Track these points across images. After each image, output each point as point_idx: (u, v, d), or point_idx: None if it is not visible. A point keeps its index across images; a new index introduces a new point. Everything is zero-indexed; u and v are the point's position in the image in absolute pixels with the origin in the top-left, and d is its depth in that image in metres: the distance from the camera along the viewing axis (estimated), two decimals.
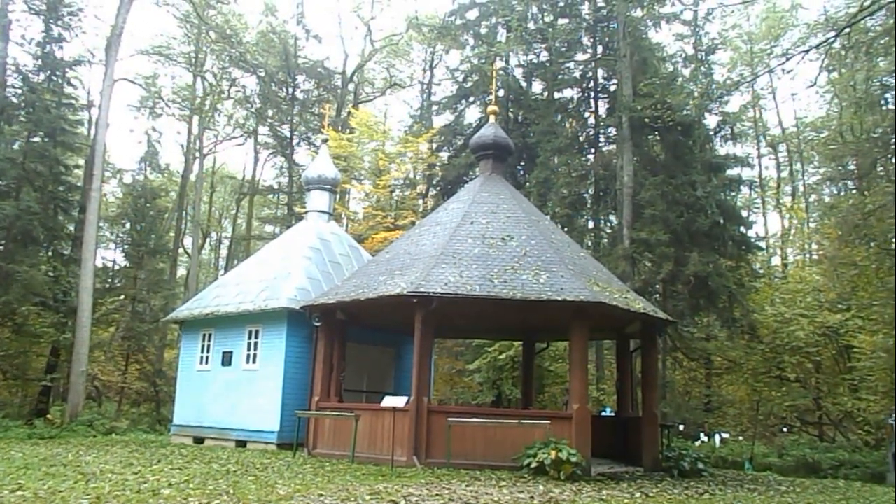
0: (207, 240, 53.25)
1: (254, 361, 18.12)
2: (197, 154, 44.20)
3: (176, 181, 46.07)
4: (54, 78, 29.05)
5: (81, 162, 32.93)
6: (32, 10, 28.22)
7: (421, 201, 37.02)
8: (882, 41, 20.86)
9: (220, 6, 38.37)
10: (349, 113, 39.56)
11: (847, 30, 19.26)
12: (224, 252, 55.37)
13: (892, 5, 18.58)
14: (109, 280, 35.53)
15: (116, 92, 31.62)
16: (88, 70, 34.24)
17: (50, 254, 29.29)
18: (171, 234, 44.04)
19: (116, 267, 37.76)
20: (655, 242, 24.33)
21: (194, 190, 43.91)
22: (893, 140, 19.84)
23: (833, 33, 19.88)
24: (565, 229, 26.30)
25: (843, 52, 22.08)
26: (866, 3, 19.21)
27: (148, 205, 35.24)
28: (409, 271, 14.11)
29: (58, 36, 28.65)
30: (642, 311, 14.42)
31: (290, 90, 43.37)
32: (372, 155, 37.03)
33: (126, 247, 35.91)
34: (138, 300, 33.67)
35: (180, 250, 46.21)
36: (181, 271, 48.90)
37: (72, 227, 30.51)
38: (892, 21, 19.57)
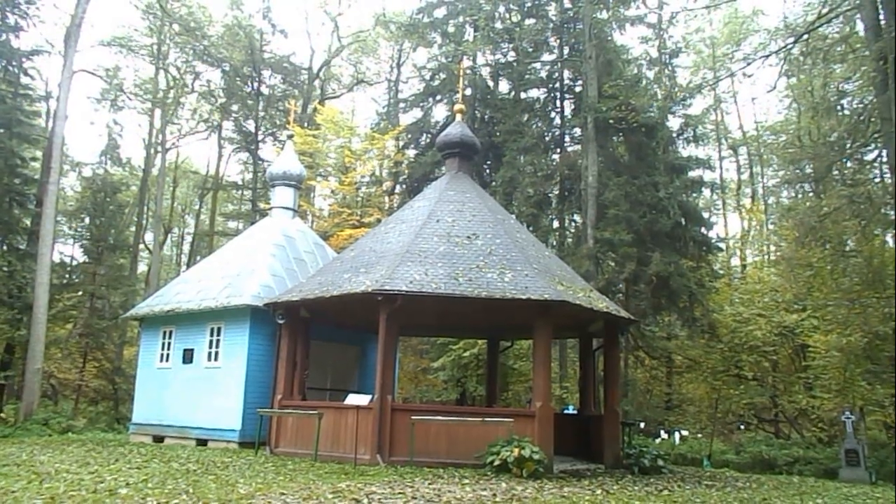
0: (169, 236, 52.35)
1: (216, 359, 17.89)
2: (159, 148, 43.44)
3: (137, 175, 45.23)
4: (10, 68, 28.32)
5: (39, 154, 32.15)
6: None
7: (387, 199, 36.92)
8: (839, 48, 21.38)
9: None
10: (315, 109, 39.28)
11: (805, 36, 19.75)
12: (186, 248, 54.53)
13: (849, 13, 19.09)
14: (67, 276, 34.73)
15: (76, 83, 31.02)
16: (47, 60, 33.50)
17: (5, 248, 28.54)
18: (132, 229, 43.23)
19: (74, 262, 36.94)
20: (619, 242, 24.63)
21: (156, 185, 43.13)
22: (849, 143, 20.39)
23: (792, 39, 20.40)
24: (530, 228, 26.49)
25: (801, 58, 22.60)
26: (824, 11, 19.75)
27: (108, 199, 34.51)
28: (374, 269, 14.07)
29: (14, 24, 27.93)
30: (605, 310, 14.60)
31: (256, 85, 42.88)
32: (338, 152, 36.82)
33: (85, 242, 35.11)
34: (97, 296, 32.97)
35: (141, 246, 45.38)
36: (142, 267, 48.05)
37: (28, 221, 29.77)
38: (848, 28, 20.09)
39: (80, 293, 32.92)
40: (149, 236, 46.60)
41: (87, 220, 35.31)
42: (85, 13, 28.72)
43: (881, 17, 17.26)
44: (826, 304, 21.47)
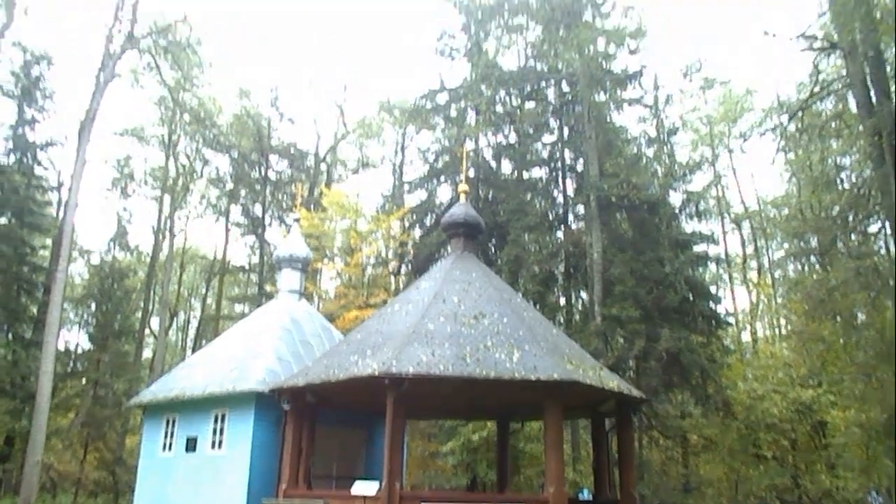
0: (175, 320, 52.27)
1: (219, 447, 17.47)
2: (167, 234, 43.94)
3: (145, 261, 45.58)
4: (25, 160, 29.01)
5: (48, 242, 32.52)
6: (7, 94, 28.39)
7: (393, 279, 36.97)
8: (833, 124, 21.81)
9: (195, 89, 39.00)
10: (321, 192, 39.90)
11: (799, 113, 20.20)
12: (192, 333, 54.29)
13: (840, 91, 19.56)
14: (71, 363, 34.50)
15: (87, 172, 31.64)
16: (60, 151, 34.31)
17: (10, 337, 28.47)
18: (138, 314, 43.21)
19: (79, 350, 36.76)
20: (627, 319, 24.45)
21: (163, 270, 43.38)
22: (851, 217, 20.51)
23: (787, 117, 20.85)
24: (537, 306, 26.37)
25: (797, 134, 23.03)
26: (816, 90, 20.26)
27: (115, 285, 34.66)
28: (381, 351, 13.91)
29: (31, 119, 28.80)
30: (616, 389, 14.31)
31: (263, 170, 43.73)
32: (344, 233, 37.14)
33: (90, 329, 35.04)
34: (100, 384, 32.62)
35: (147, 332, 45.24)
36: (147, 353, 47.72)
37: (35, 309, 29.82)
38: (840, 105, 20.53)
39: (83, 381, 32.62)
40: (154, 322, 46.55)
41: (93, 307, 35.35)
42: (99, 106, 29.60)
43: (872, 94, 17.66)
44: (842, 379, 21.09)
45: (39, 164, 30.39)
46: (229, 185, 44.87)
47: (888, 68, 18.02)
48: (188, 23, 33.63)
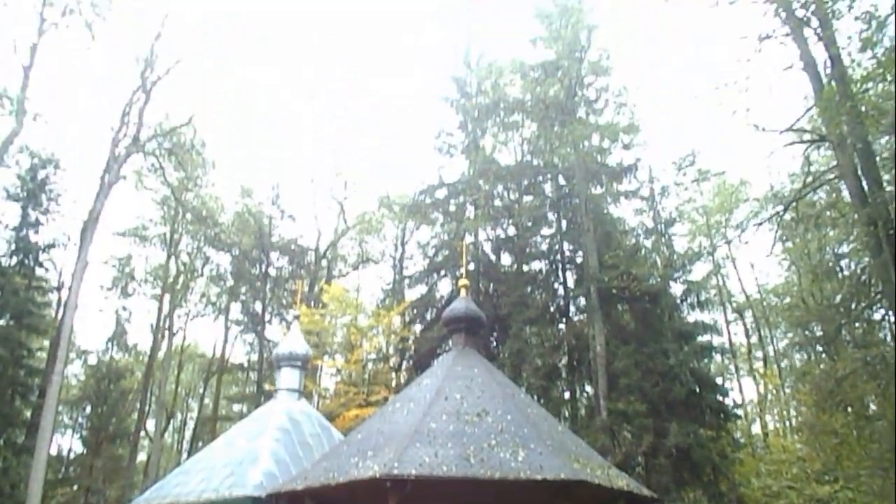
0: (172, 422, 51.16)
1: None
2: (166, 333, 43.66)
3: (142, 361, 45.06)
4: (26, 261, 29.18)
5: (46, 344, 32.24)
6: (11, 197, 28.87)
7: (394, 375, 36.43)
8: (828, 213, 22.06)
9: (198, 189, 39.72)
10: (321, 288, 39.91)
11: (794, 204, 20.45)
12: (188, 435, 53.02)
13: (833, 181, 19.89)
14: (63, 469, 33.50)
15: (88, 273, 31.73)
16: (62, 252, 34.59)
17: (2, 443, 27.77)
18: (134, 416, 42.33)
19: (71, 455, 35.79)
20: (633, 413, 23.93)
21: (161, 369, 42.82)
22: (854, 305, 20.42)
23: (781, 207, 21.10)
24: (541, 401, 25.88)
25: (793, 224, 23.26)
26: (808, 180, 20.61)
27: (112, 386, 34.17)
28: (382, 452, 13.51)
29: (34, 221, 29.14)
30: (626, 488, 13.82)
31: (264, 267, 43.95)
32: (344, 329, 36.89)
33: (84, 432, 34.23)
34: (92, 491, 31.61)
35: (142, 434, 44.19)
36: (141, 457, 46.43)
37: (28, 413, 29.21)
38: (834, 195, 20.82)
39: (75, 488, 31.58)
40: (150, 423, 45.53)
41: (88, 410, 34.67)
42: (103, 207, 30.06)
43: (864, 183, 17.93)
44: (858, 475, 20.40)
45: (41, 265, 30.57)
46: (229, 283, 44.97)
47: (877, 159, 18.38)
48: (192, 125, 34.71)
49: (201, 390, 50.88)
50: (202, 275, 46.20)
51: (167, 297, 44.14)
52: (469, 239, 32.10)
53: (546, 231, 33.90)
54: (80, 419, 36.34)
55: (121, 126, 31.82)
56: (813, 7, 18.00)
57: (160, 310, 44.54)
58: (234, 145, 62.67)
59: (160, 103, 36.99)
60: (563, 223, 33.28)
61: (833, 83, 17.84)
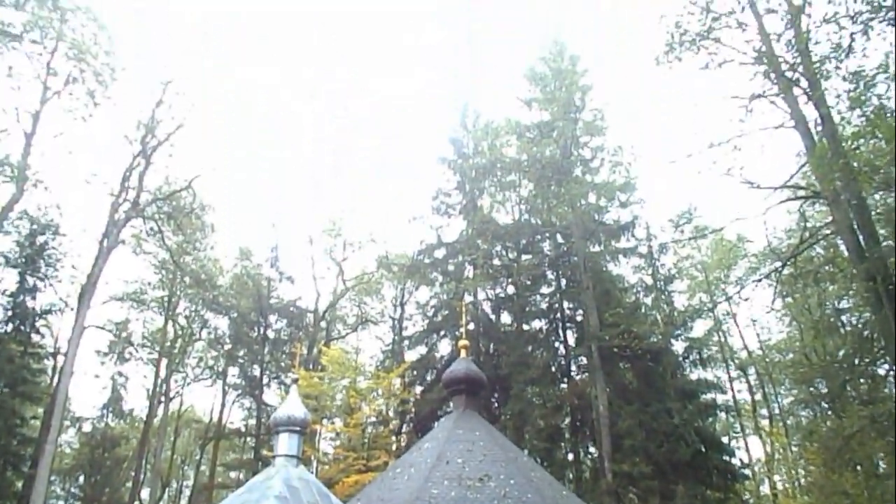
0: (167, 490, 49.94)
1: None
2: (162, 398, 43.04)
3: (138, 427, 44.27)
4: (23, 328, 28.98)
5: (40, 411, 31.72)
6: (10, 263, 28.88)
7: (394, 439, 35.76)
8: (827, 267, 22.07)
9: (197, 253, 39.78)
10: (320, 351, 39.56)
11: (792, 259, 20.49)
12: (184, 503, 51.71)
13: (830, 237, 19.96)
14: None
15: (84, 338, 31.50)
16: (59, 317, 34.44)
17: None
18: (129, 485, 41.35)
19: None
20: (639, 475, 23.42)
21: (157, 436, 42.06)
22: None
23: (780, 263, 21.13)
24: (544, 464, 25.35)
25: (793, 279, 23.24)
26: (805, 236, 20.69)
27: (106, 454, 33.50)
28: None
29: (32, 287, 29.07)
30: None
31: (262, 330, 43.65)
32: (343, 392, 36.39)
33: (76, 503, 33.36)
34: None
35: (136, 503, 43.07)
36: None
37: (20, 485, 28.51)
38: (832, 251, 20.87)
39: None
40: (145, 492, 44.45)
41: (81, 479, 33.89)
42: (101, 272, 30.05)
43: (860, 239, 17.99)
44: None
45: (37, 331, 30.37)
46: (227, 346, 44.59)
47: (873, 214, 18.50)
48: (192, 189, 35.00)
49: (198, 457, 49.83)
50: (200, 338, 45.86)
51: (164, 362, 43.69)
52: (468, 299, 31.98)
53: (545, 290, 33.84)
54: (73, 489, 35.45)
55: (121, 191, 32.08)
56: (801, 67, 18.42)
57: (157, 375, 44.01)
58: (233, 206, 63.25)
59: (160, 167, 37.34)
60: (563, 281, 33.24)
61: (824, 141, 18.10)
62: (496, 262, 33.34)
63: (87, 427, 40.32)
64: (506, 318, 34.66)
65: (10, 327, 28.24)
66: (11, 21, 25.86)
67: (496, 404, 31.60)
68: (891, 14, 15.36)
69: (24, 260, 29.02)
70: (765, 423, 40.63)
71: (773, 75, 19.31)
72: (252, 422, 45.65)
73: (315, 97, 79.04)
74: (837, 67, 15.10)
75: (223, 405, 47.36)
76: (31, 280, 28.98)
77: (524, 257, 33.06)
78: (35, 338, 30.15)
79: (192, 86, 34.11)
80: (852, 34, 14.07)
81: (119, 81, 31.55)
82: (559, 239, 33.20)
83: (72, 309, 32.36)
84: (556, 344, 33.51)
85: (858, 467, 20.84)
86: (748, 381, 42.93)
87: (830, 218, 19.89)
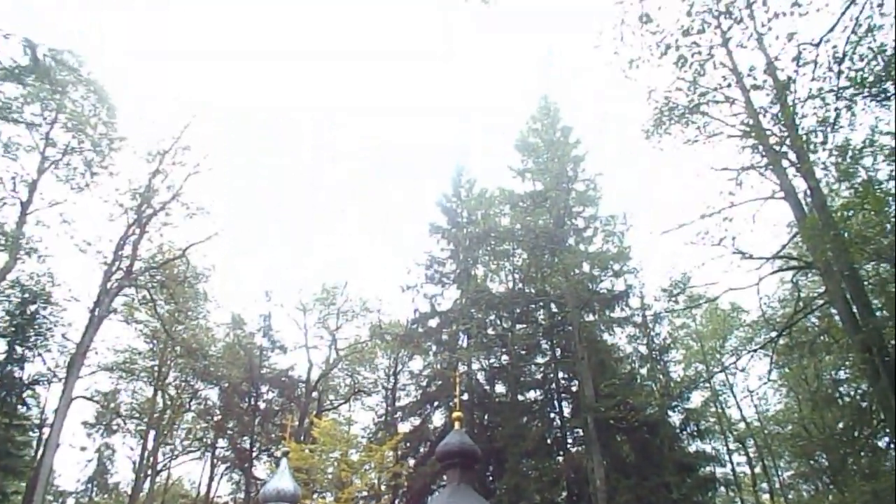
0: None
1: None
2: (149, 471, 41.93)
3: (123, 501, 42.97)
4: (9, 399, 28.45)
5: (23, 486, 30.78)
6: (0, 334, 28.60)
7: None
8: (823, 337, 21.99)
9: (189, 321, 39.49)
10: (312, 422, 38.85)
11: (788, 330, 20.43)
12: None
13: (825, 307, 19.96)
14: None
15: (72, 409, 30.89)
16: (46, 388, 33.84)
17: None
18: None
19: None
20: None
21: None
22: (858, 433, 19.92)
23: (775, 333, 21.05)
24: None
25: (789, 350, 23.13)
26: (799, 306, 20.69)
27: None
28: None
29: (20, 357, 28.69)
30: None
31: (253, 400, 42.94)
32: (334, 465, 35.54)
33: None
34: None
35: None
36: None
37: None
38: (826, 321, 20.84)
39: None
40: None
41: None
42: (91, 342, 29.71)
43: (854, 309, 17.98)
44: None
45: (23, 402, 29.79)
46: (217, 417, 43.76)
47: (865, 284, 18.55)
48: (186, 258, 34.99)
49: None
50: (189, 409, 45.04)
51: (152, 434, 42.76)
52: (462, 369, 31.65)
53: (540, 360, 33.56)
54: None
55: (114, 259, 32.05)
56: (789, 140, 18.79)
57: (144, 447, 43.00)
58: (226, 273, 63.16)
59: (155, 235, 37.37)
60: (557, 351, 33.00)
61: (814, 212, 18.32)
62: (490, 331, 33.15)
63: (70, 502, 39.11)
64: (500, 388, 34.24)
65: None
66: (12, 95, 26.32)
67: (491, 478, 30.86)
68: (874, 90, 15.78)
69: (13, 329, 28.71)
70: (766, 497, 39.70)
71: (761, 148, 19.70)
72: (241, 496, 44.41)
73: (307, 165, 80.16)
74: (824, 141, 15.38)
75: (211, 479, 46.18)
76: (19, 350, 28.59)
77: (518, 327, 32.90)
78: (21, 409, 29.52)
79: (188, 156, 34.44)
80: (837, 109, 14.38)
81: (117, 151, 31.98)
82: (553, 308, 33.14)
83: (60, 379, 31.86)
84: (552, 415, 33.00)
85: None
86: (747, 454, 42.15)
87: (823, 288, 19.94)
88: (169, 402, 44.45)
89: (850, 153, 16.37)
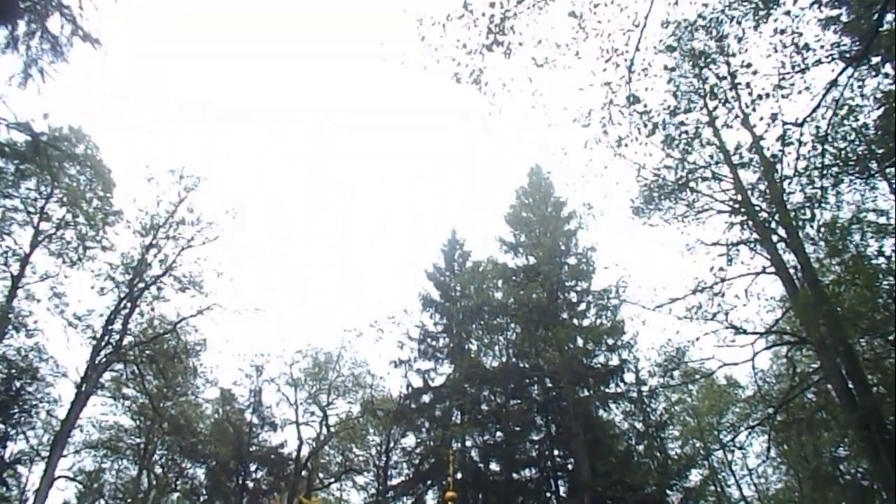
0: None
1: None
2: None
3: None
4: None
5: None
6: None
7: None
8: (821, 413, 21.69)
9: (177, 397, 38.78)
10: (301, 502, 37.69)
11: (785, 406, 20.17)
12: None
13: (821, 383, 19.77)
14: None
15: (54, 489, 29.91)
16: (28, 468, 32.90)
17: None
18: None
19: None
20: None
21: None
22: None
23: (772, 410, 20.78)
24: None
25: (786, 426, 22.77)
26: (795, 381, 20.50)
27: None
28: None
29: (3, 434, 27.99)
30: None
31: (241, 479, 41.70)
32: None
33: None
34: None
35: None
36: None
37: None
38: (824, 397, 20.61)
39: None
40: None
41: None
42: (77, 418, 29.02)
43: (850, 385, 17.81)
44: None
45: (4, 483, 28.86)
46: (203, 497, 42.40)
47: (861, 360, 18.45)
48: (177, 332, 34.61)
49: None
50: (175, 489, 43.69)
51: None
52: (456, 446, 30.99)
53: (535, 436, 32.92)
54: None
55: (103, 334, 31.67)
56: (777, 216, 19.03)
57: None
58: (216, 348, 62.35)
59: (146, 309, 37.08)
60: (553, 427, 32.42)
61: (806, 287, 18.37)
62: (484, 407, 32.64)
63: None
64: (495, 466, 33.42)
65: None
66: (8, 169, 26.60)
67: None
68: (859, 168, 16.10)
69: None
70: None
71: (751, 223, 19.93)
72: None
73: (298, 243, 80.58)
74: (812, 218, 15.58)
75: None
76: (3, 427, 27.88)
77: (512, 402, 32.42)
78: (1, 489, 28.58)
79: (183, 230, 34.59)
80: (822, 187, 14.63)
81: (112, 225, 32.09)
82: (548, 383, 32.76)
83: (43, 458, 30.97)
84: (548, 494, 32.13)
85: None
86: None
87: (819, 363, 19.81)
88: (154, 482, 43.15)
89: (838, 229, 16.58)
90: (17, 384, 30.15)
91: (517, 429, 31.82)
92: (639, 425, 29.77)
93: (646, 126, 16.84)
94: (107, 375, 33.70)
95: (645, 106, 16.67)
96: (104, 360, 31.20)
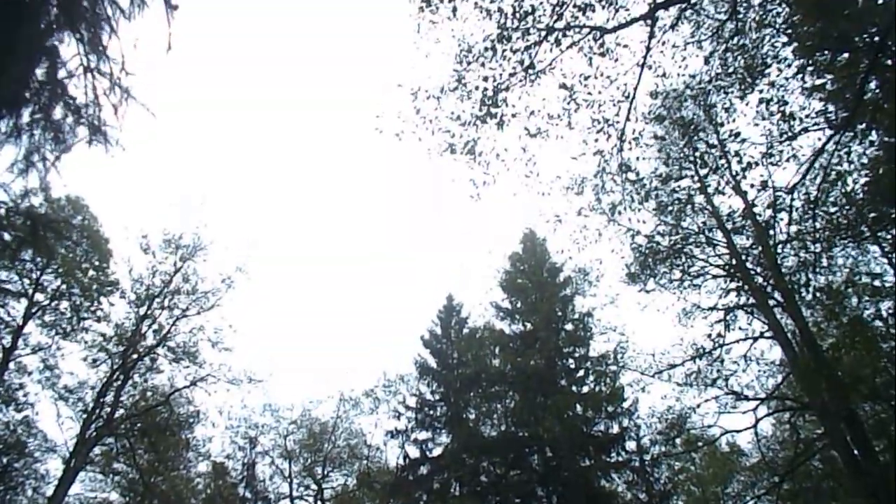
0: None
1: None
2: None
3: None
4: None
5: None
6: None
7: None
8: (826, 482, 21.24)
9: (168, 472, 37.84)
10: None
11: (790, 473, 19.74)
12: None
13: (824, 450, 19.41)
14: None
15: None
16: None
17: None
18: None
19: None
20: None
21: None
22: None
23: (777, 478, 20.33)
24: None
25: (793, 495, 22.24)
26: (800, 448, 20.12)
27: None
28: None
29: None
30: None
31: None
32: None
33: None
34: None
35: None
36: None
37: None
38: (829, 465, 20.21)
39: None
40: None
41: None
42: (66, 495, 28.21)
43: (855, 451, 17.49)
44: None
45: None
46: None
47: (865, 426, 18.16)
48: (170, 405, 34.02)
49: None
50: None
51: None
52: None
53: None
54: None
55: (95, 407, 31.11)
56: (773, 280, 19.06)
57: None
58: (209, 418, 61.21)
59: (139, 381, 36.54)
60: (554, 499, 31.59)
61: (805, 351, 18.25)
62: (483, 478, 31.83)
63: None
64: None
65: None
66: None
67: None
68: (851, 232, 16.23)
69: None
70: None
71: (747, 288, 19.94)
72: None
73: (293, 310, 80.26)
74: (807, 282, 15.62)
75: None
76: None
77: (512, 473, 31.63)
78: None
79: (178, 299, 34.48)
80: (815, 252, 14.73)
81: (107, 296, 31.95)
82: (548, 453, 32.10)
83: None
84: None
85: None
86: None
87: (822, 429, 19.49)
88: None
89: (834, 293, 16.58)
90: (4, 460, 29.45)
91: (517, 501, 30.97)
92: (642, 496, 29.02)
93: (638, 193, 17.08)
94: (96, 450, 32.92)
95: (637, 174, 16.96)
96: (94, 433, 30.55)
